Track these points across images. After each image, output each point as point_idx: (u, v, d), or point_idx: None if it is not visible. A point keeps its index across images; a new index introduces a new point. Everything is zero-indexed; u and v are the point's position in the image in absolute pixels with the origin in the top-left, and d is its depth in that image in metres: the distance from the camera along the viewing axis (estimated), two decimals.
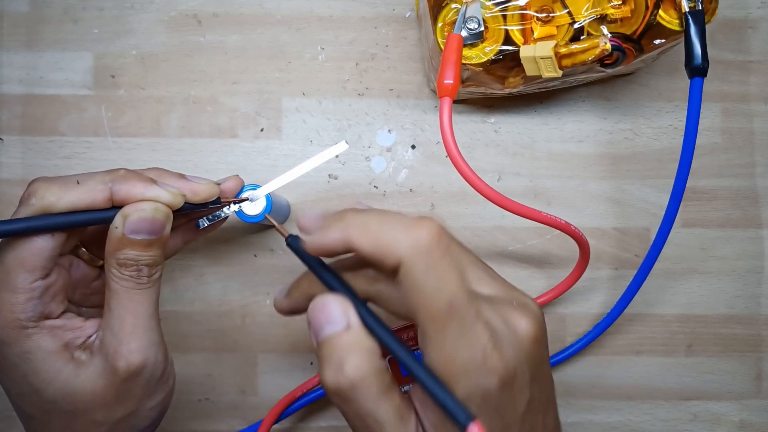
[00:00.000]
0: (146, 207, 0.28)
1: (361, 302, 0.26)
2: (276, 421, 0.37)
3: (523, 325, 0.25)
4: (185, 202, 0.29)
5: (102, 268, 0.31)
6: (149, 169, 0.30)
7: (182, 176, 0.30)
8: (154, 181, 0.29)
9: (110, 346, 0.27)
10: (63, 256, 0.30)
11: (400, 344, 0.25)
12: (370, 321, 0.25)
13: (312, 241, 0.25)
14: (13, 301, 0.27)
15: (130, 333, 0.27)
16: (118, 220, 0.27)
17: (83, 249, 0.31)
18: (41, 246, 0.27)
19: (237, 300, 0.39)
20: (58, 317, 0.28)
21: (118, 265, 0.28)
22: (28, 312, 0.27)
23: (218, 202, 0.31)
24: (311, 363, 0.39)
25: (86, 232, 0.31)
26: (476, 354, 0.23)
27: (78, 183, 0.28)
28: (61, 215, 0.27)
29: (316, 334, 0.25)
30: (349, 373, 0.24)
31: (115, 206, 0.28)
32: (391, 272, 0.24)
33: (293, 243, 0.27)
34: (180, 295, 0.39)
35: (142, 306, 0.28)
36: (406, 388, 0.36)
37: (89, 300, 0.32)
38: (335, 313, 0.25)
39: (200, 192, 0.30)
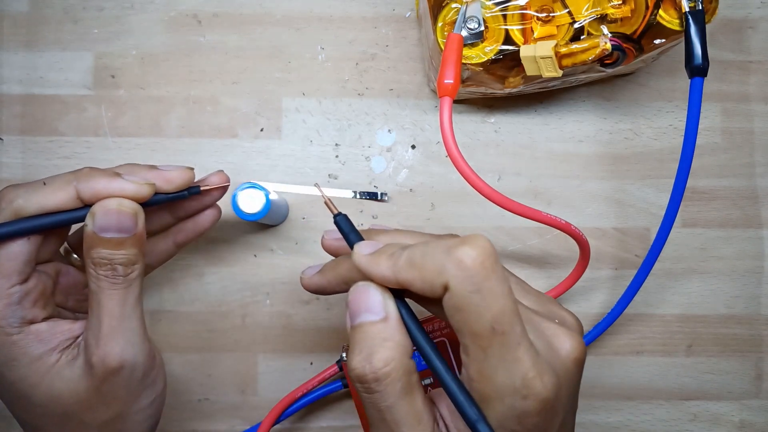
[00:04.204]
0: (110, 203, 0.27)
1: (400, 297, 0.25)
2: (276, 422, 0.37)
3: (567, 346, 0.24)
4: (162, 193, 0.29)
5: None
6: (120, 165, 0.30)
7: (153, 167, 0.30)
8: (118, 175, 0.28)
9: (90, 347, 0.27)
10: (50, 263, 0.30)
11: (434, 349, 0.25)
12: (407, 318, 0.25)
13: (364, 269, 0.25)
14: None
15: (107, 334, 0.27)
16: (88, 219, 0.27)
17: (75, 255, 0.31)
18: (16, 251, 0.27)
19: (237, 300, 0.39)
20: (42, 321, 0.28)
21: (93, 264, 0.27)
22: (8, 318, 0.27)
23: (197, 191, 0.31)
24: (311, 363, 0.39)
25: (74, 237, 0.31)
26: (515, 379, 0.22)
27: (44, 185, 0.27)
28: (32, 218, 0.27)
29: (353, 317, 0.25)
30: (377, 365, 0.23)
31: (87, 205, 0.28)
32: (439, 298, 0.23)
33: (341, 222, 0.27)
34: (180, 295, 0.39)
35: (119, 306, 0.27)
36: (426, 381, 0.36)
37: (84, 306, 0.31)
38: (375, 301, 0.25)
39: (174, 179, 0.30)
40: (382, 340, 0.24)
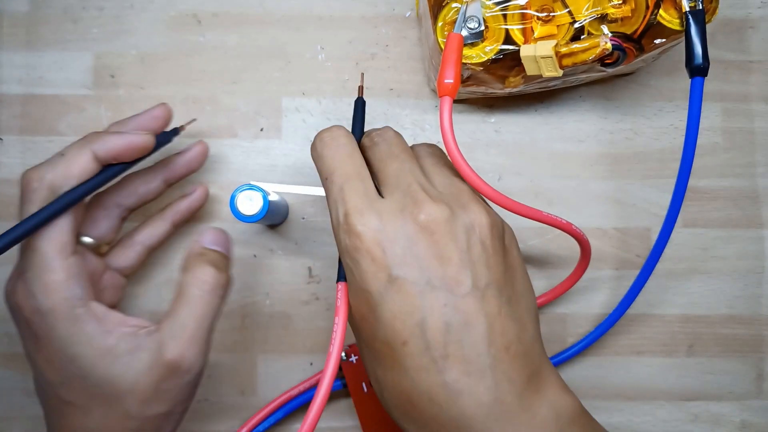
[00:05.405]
0: (214, 230, 0.32)
1: None
2: (274, 421, 0.37)
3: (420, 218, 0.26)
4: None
5: (102, 255, 0.34)
6: (112, 125, 0.33)
7: (138, 115, 0.34)
8: (121, 133, 0.31)
9: (166, 346, 0.28)
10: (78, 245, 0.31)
11: None
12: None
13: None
14: (57, 280, 0.28)
15: (189, 339, 0.29)
16: (198, 236, 0.31)
17: (84, 238, 0.32)
18: (62, 226, 0.29)
19: (237, 300, 0.39)
20: (97, 302, 0.30)
21: (197, 266, 0.30)
22: (73, 289, 0.28)
23: (177, 132, 0.35)
24: (311, 363, 0.39)
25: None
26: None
27: (63, 155, 0.30)
28: (69, 192, 0.29)
29: None
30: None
31: (104, 166, 0.31)
32: None
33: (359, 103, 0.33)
34: None
35: (209, 316, 0.29)
36: None
37: (104, 297, 0.33)
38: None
39: (158, 114, 0.34)
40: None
